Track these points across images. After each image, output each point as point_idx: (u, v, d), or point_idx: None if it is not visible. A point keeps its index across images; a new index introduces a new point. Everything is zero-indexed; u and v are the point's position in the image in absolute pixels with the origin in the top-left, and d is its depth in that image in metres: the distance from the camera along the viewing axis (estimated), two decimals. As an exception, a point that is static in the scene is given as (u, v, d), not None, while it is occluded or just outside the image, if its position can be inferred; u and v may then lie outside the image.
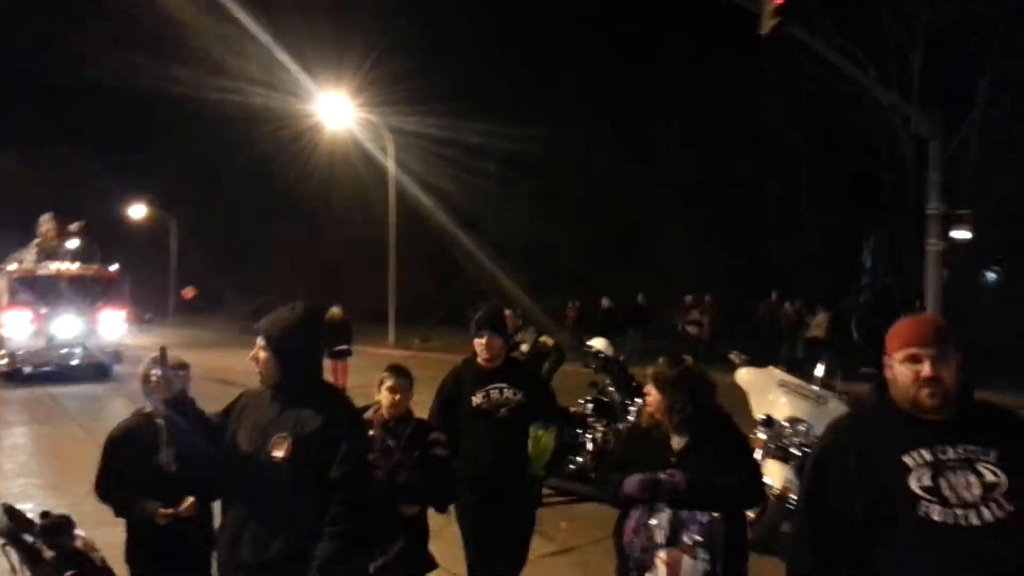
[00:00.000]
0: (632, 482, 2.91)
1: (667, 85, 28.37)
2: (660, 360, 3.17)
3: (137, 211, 37.68)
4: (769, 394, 5.98)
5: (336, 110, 22.95)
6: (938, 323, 2.15)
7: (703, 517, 2.83)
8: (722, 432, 3.05)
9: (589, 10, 27.31)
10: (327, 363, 13.80)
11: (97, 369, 17.07)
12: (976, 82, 19.60)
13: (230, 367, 18.34)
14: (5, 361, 16.08)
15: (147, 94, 30.79)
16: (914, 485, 1.99)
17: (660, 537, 2.85)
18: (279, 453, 2.64)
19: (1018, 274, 26.11)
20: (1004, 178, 19.59)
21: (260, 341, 2.78)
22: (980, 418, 2.09)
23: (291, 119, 26.19)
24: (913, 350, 2.07)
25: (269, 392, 2.79)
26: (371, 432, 3.42)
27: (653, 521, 2.88)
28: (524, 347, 8.09)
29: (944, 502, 1.96)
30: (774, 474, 5.62)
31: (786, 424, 5.83)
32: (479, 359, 4.04)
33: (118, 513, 3.30)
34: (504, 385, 3.96)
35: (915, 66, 20.10)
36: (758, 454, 5.78)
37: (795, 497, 5.63)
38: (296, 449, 2.63)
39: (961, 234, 12.87)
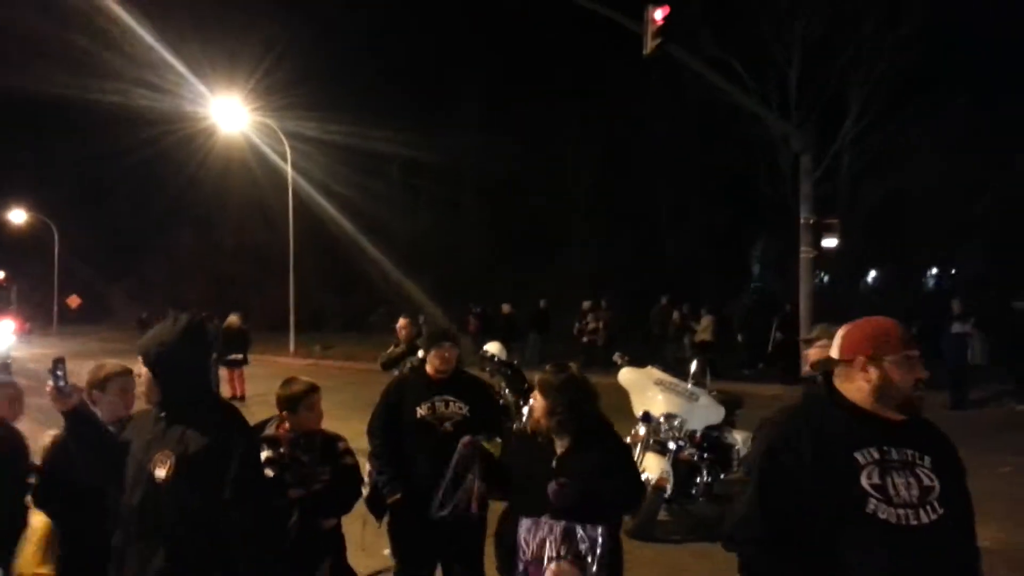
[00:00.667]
0: (552, 491, 2.94)
1: (565, 91, 29.17)
2: (547, 367, 3.26)
3: (17, 216, 35.72)
4: (647, 392, 6.50)
5: (230, 114, 22.57)
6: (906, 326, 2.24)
7: (592, 531, 2.88)
8: (602, 438, 3.14)
9: (488, 18, 27.85)
10: (223, 373, 13.67)
11: None
12: (848, 95, 21.01)
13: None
14: None
15: (27, 96, 29.32)
16: (864, 482, 2.06)
17: (551, 550, 2.87)
18: (161, 472, 2.56)
19: (887, 279, 28.35)
20: (873, 187, 21.24)
21: (140, 359, 2.74)
22: (916, 425, 2.19)
23: (181, 122, 25.60)
24: (912, 352, 2.14)
25: (155, 410, 2.72)
26: (281, 449, 3.38)
27: (543, 532, 2.91)
28: (421, 353, 8.35)
29: (889, 501, 2.05)
30: (652, 466, 6.12)
31: (662, 419, 6.37)
32: (428, 368, 3.94)
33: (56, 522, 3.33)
34: (451, 397, 3.85)
35: (792, 79, 21.37)
36: (637, 448, 6.30)
37: (671, 488, 6.19)
38: (179, 468, 2.56)
39: (830, 242, 13.94)
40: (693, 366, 6.89)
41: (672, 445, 6.34)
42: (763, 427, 2.34)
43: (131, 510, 2.62)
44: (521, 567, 2.95)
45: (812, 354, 4.47)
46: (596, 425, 3.15)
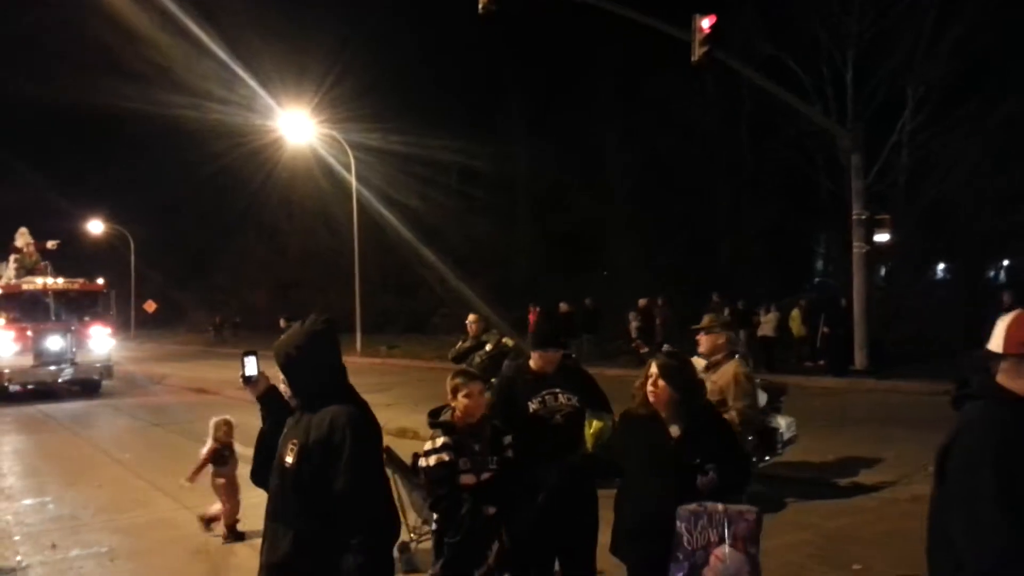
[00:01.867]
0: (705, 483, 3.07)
1: (611, 95, 29.84)
2: (662, 353, 3.43)
3: (95, 227, 38.08)
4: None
5: (297, 126, 23.92)
6: None
7: (750, 515, 2.99)
8: (713, 421, 3.33)
9: (536, 25, 28.69)
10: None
11: (85, 385, 16.88)
12: (905, 93, 21.15)
13: (203, 377, 19.29)
14: None
15: (102, 110, 31.40)
16: None
17: (713, 536, 2.96)
18: (289, 459, 2.76)
19: (954, 273, 28.13)
20: (931, 184, 21.34)
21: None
22: None
23: (251, 135, 27.12)
24: None
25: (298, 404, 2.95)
26: (457, 436, 3.58)
27: (704, 519, 2.99)
28: (488, 347, 9.23)
29: None
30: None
31: (709, 403, 7.10)
32: (532, 364, 4.09)
33: None
34: (559, 390, 3.99)
35: (848, 77, 21.60)
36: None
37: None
38: (301, 456, 2.72)
39: (882, 237, 14.38)
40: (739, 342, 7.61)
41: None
42: (963, 435, 2.16)
43: (271, 494, 2.86)
44: (683, 556, 2.98)
45: (702, 340, 5.12)
46: (706, 410, 3.36)
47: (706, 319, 5.18)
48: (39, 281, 17.03)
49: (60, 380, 16.32)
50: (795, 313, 18.05)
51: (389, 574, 2.81)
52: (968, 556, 2.04)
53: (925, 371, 14.51)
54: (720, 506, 2.98)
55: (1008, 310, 8.44)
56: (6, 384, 15.78)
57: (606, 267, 30.34)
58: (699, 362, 7.46)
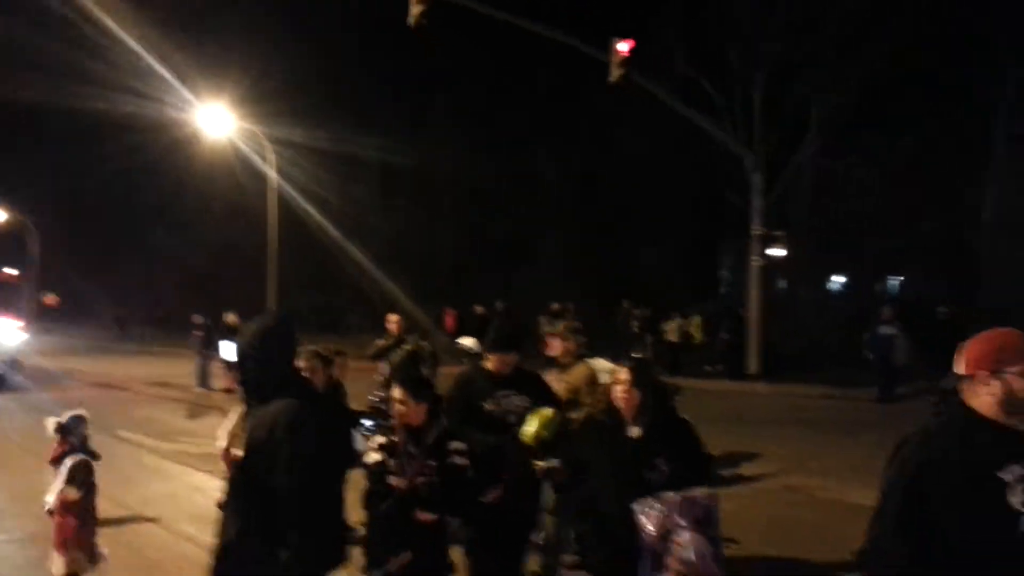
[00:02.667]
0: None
1: (542, 105, 30.73)
2: (625, 359, 3.57)
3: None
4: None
5: (216, 120, 23.73)
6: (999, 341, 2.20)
7: (704, 499, 3.13)
8: (673, 422, 3.48)
9: (470, 30, 29.20)
10: (220, 369, 14.94)
11: None
12: (810, 117, 22.58)
13: (108, 372, 19.03)
14: None
15: (8, 102, 30.20)
16: (1014, 501, 2.00)
17: (670, 523, 3.09)
18: (238, 452, 2.96)
19: (851, 286, 30.17)
20: (828, 204, 22.93)
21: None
22: None
23: (167, 128, 26.68)
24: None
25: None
26: (395, 438, 3.61)
27: (660, 508, 3.10)
28: (407, 347, 9.70)
29: None
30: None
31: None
32: (489, 366, 4.23)
33: None
34: (512, 392, 4.13)
35: (757, 99, 22.90)
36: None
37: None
38: (248, 449, 2.84)
39: (778, 252, 15.56)
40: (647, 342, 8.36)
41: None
42: (904, 447, 2.24)
43: (229, 483, 3.03)
44: (645, 549, 3.09)
45: (554, 344, 5.47)
46: (669, 411, 3.52)
47: (561, 326, 5.65)
48: None
49: None
50: (697, 321, 19.18)
51: (323, 571, 2.86)
52: (868, 567, 2.14)
53: (813, 376, 15.81)
54: (673, 494, 3.11)
55: (886, 323, 9.68)
56: None
57: (529, 271, 31.17)
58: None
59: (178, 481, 8.23)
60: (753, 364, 15.99)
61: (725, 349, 17.51)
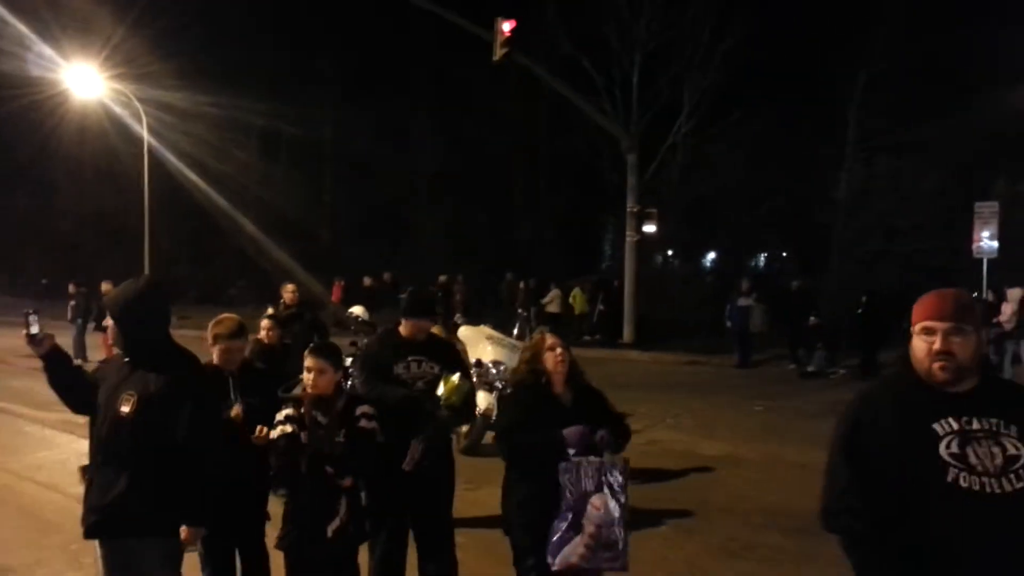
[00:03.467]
0: (573, 434, 3.32)
1: (422, 73, 30.90)
2: (546, 330, 3.85)
3: None
4: (480, 344, 8.60)
5: (85, 80, 22.72)
6: (958, 298, 2.23)
7: (621, 465, 3.32)
8: (594, 391, 3.70)
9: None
10: (99, 337, 14.65)
11: None
12: (683, 98, 23.90)
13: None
14: None
15: None
16: (943, 452, 2.11)
17: (590, 485, 3.26)
18: (125, 408, 3.02)
19: (722, 261, 32.24)
20: (698, 182, 24.45)
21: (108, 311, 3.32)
22: (1000, 393, 2.24)
23: (30, 86, 25.22)
24: (928, 323, 2.19)
25: (122, 356, 3.23)
26: (302, 408, 3.60)
27: (581, 471, 3.28)
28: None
29: (971, 469, 2.09)
30: (482, 401, 8.18)
31: (491, 365, 8.49)
32: (403, 331, 4.26)
33: None
34: (423, 358, 4.18)
35: (634, 79, 23.98)
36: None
37: (495, 416, 8.30)
38: (139, 406, 3.01)
39: (650, 228, 16.67)
40: (516, 327, 9.07)
41: (498, 384, 8.45)
42: (852, 402, 2.37)
43: (99, 441, 3.13)
44: (565, 507, 3.27)
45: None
46: (585, 378, 3.71)
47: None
48: None
49: None
50: (576, 292, 20.19)
51: (215, 517, 3.19)
52: (829, 526, 2.27)
53: (681, 345, 17.08)
54: (595, 459, 3.30)
55: (744, 295, 10.92)
56: None
57: (410, 241, 31.48)
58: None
59: (66, 448, 8.30)
60: (627, 333, 17.12)
61: (602, 319, 18.61)
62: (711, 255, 34.76)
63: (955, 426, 2.14)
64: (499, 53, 13.42)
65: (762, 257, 35.68)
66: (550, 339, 3.59)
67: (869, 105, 23.30)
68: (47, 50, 22.37)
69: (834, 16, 23.89)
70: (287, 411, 3.58)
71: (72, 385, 3.26)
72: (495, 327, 9.24)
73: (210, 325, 4.01)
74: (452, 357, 4.36)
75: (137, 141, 24.83)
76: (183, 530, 3.09)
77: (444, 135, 30.87)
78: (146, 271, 24.42)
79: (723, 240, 27.72)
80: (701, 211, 24.71)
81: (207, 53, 28.47)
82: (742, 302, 14.88)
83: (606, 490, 3.26)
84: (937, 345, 2.15)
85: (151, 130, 24.26)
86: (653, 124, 22.16)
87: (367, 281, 20.92)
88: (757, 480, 7.48)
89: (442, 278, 20.92)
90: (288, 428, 3.52)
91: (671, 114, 23.59)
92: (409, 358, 4.15)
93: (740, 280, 15.57)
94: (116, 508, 3.03)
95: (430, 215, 31.05)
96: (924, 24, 20.54)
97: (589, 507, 3.24)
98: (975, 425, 2.14)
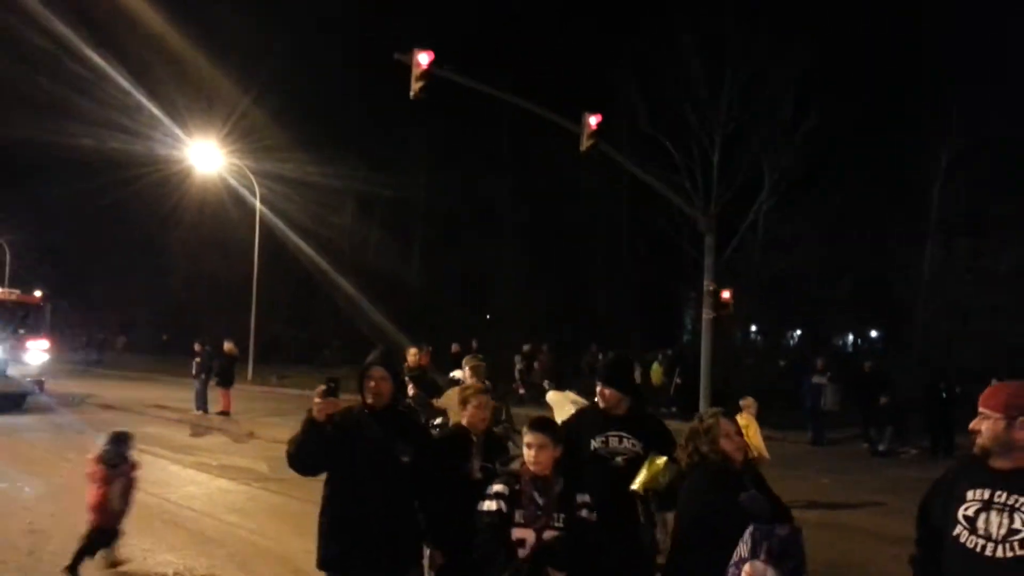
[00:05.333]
0: (748, 500, 3.35)
1: (508, 146, 32.85)
2: (721, 412, 3.69)
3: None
4: (565, 407, 9.75)
5: (206, 155, 25.43)
6: (1008, 391, 2.73)
7: (782, 530, 3.21)
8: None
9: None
10: (220, 391, 16.51)
11: (12, 400, 16.36)
12: (762, 173, 24.86)
13: (101, 394, 20.27)
14: None
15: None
16: (959, 513, 2.68)
17: (744, 551, 3.18)
18: (405, 458, 3.65)
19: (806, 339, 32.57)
20: (778, 257, 25.24)
21: (381, 371, 3.73)
22: None
23: (158, 165, 28.26)
24: (981, 409, 2.72)
25: (382, 409, 3.73)
26: (518, 486, 3.46)
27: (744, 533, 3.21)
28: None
29: (973, 531, 2.62)
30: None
31: (574, 428, 9.67)
32: (599, 402, 4.15)
33: None
34: (624, 433, 3.99)
35: (714, 158, 25.14)
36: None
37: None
38: (413, 455, 3.67)
39: (725, 306, 17.59)
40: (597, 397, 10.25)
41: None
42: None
43: (362, 484, 3.64)
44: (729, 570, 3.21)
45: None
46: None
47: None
48: None
49: None
50: (655, 366, 21.14)
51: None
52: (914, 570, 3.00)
53: (757, 419, 17.74)
54: (763, 526, 3.21)
55: (820, 372, 12.03)
56: None
57: (490, 309, 33.08)
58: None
59: (208, 484, 9.84)
60: (703, 406, 17.92)
61: (678, 392, 19.50)
62: (797, 332, 35.04)
63: (984, 496, 2.63)
64: (586, 144, 14.84)
65: (849, 336, 35.79)
66: (726, 425, 3.54)
67: (951, 184, 23.82)
68: (175, 129, 25.15)
69: (915, 94, 24.82)
70: (500, 486, 3.48)
71: (318, 452, 3.61)
72: (580, 394, 10.41)
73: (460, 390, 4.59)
74: (657, 433, 4.10)
75: (246, 208, 27.37)
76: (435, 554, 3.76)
77: (527, 205, 32.59)
78: (252, 331, 26.69)
79: (803, 317, 28.31)
80: (780, 288, 25.43)
81: (312, 125, 31.20)
82: (816, 380, 15.63)
83: (761, 557, 3.18)
84: (979, 427, 2.72)
85: (261, 198, 26.77)
86: (733, 200, 23.22)
87: (454, 348, 22.36)
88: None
89: (526, 347, 22.21)
90: (495, 505, 3.43)
91: (751, 191, 24.60)
92: (609, 432, 3.99)
93: (815, 358, 16.33)
94: (375, 546, 3.57)
95: (513, 281, 32.59)
96: (1005, 102, 21.24)
97: (743, 574, 3.20)
98: (1002, 499, 2.59)
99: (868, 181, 24.27)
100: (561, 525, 3.39)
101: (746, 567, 3.13)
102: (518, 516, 3.40)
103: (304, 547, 6.94)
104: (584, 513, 3.46)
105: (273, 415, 17.20)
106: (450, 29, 29.09)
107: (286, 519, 8.19)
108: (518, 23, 33.83)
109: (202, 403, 16.59)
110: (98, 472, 6.41)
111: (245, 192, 27.10)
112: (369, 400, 3.70)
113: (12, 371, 16.28)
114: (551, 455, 3.49)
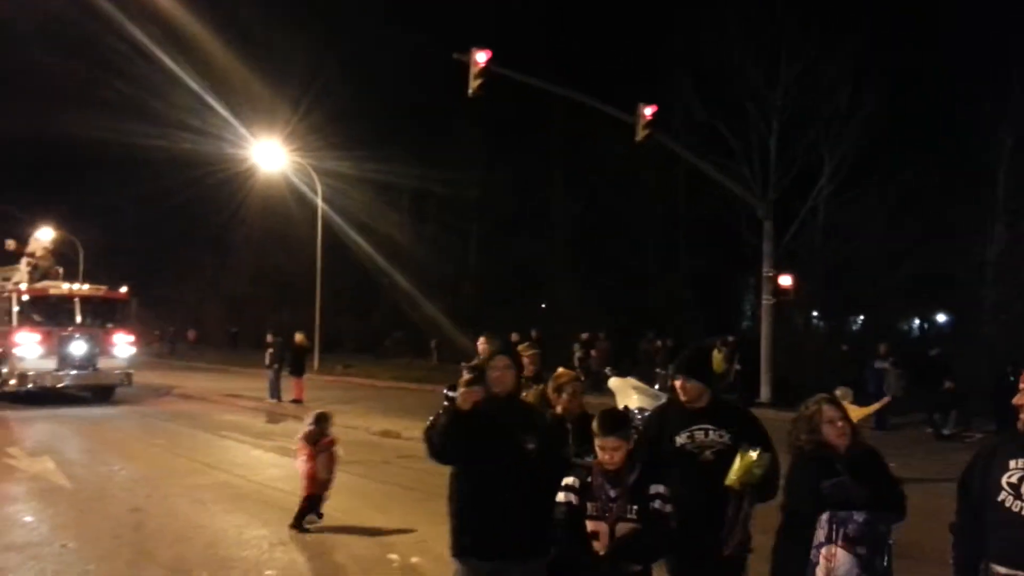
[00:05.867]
0: (829, 487, 3.37)
1: (559, 139, 33.06)
2: (825, 399, 3.71)
3: (45, 234, 39.21)
4: (627, 393, 10.12)
5: (270, 154, 26.34)
6: None
7: (859, 516, 3.29)
8: (872, 457, 3.68)
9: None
10: (292, 380, 17.28)
11: (102, 392, 17.24)
12: (822, 161, 24.66)
13: (180, 385, 21.33)
14: (14, 381, 16.09)
15: (71, 139, 33.14)
16: (1003, 480, 2.97)
17: (821, 536, 3.31)
18: (531, 445, 3.64)
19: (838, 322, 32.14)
20: (838, 244, 25.02)
21: (505, 360, 3.75)
22: None
23: (224, 164, 29.38)
24: (1022, 386, 3.05)
25: (505, 398, 3.73)
26: (590, 479, 3.49)
27: (822, 518, 3.32)
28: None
29: (1018, 496, 2.91)
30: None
31: (636, 411, 10.00)
32: (680, 395, 4.02)
33: None
34: (710, 426, 3.88)
35: (772, 144, 24.99)
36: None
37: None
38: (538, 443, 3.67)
39: (785, 292, 17.69)
40: (656, 385, 10.58)
41: (641, 428, 9.96)
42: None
43: (493, 473, 3.63)
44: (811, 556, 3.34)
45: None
46: (866, 447, 3.78)
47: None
48: (65, 286, 17.52)
49: (82, 385, 16.88)
50: (715, 353, 21.19)
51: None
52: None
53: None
54: (842, 513, 3.31)
55: (883, 358, 12.28)
56: (28, 386, 16.13)
57: (546, 299, 33.44)
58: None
59: (290, 467, 10.44)
60: (764, 392, 18.06)
61: (739, 379, 19.59)
62: (860, 318, 34.57)
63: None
64: (641, 134, 15.13)
65: (915, 321, 35.16)
66: (829, 411, 3.54)
67: (1017, 165, 23.28)
68: (242, 130, 26.12)
69: (976, 75, 24.27)
70: (572, 479, 3.52)
71: (459, 440, 3.62)
72: (641, 380, 10.75)
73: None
74: (745, 423, 4.00)
75: (308, 204, 28.25)
76: None
77: (581, 195, 32.84)
78: (317, 323, 27.62)
79: (865, 302, 27.94)
80: (841, 273, 25.21)
81: (368, 123, 32.01)
82: (878, 364, 15.62)
83: (839, 542, 3.21)
84: (1016, 400, 3.07)
85: (322, 195, 27.61)
86: (792, 186, 23.08)
87: (514, 337, 22.82)
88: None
89: (584, 335, 22.52)
90: (569, 497, 3.47)
91: (810, 177, 24.41)
92: (694, 426, 3.88)
93: (877, 343, 16.32)
94: (509, 533, 3.58)
95: (568, 274, 32.92)
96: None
97: (821, 558, 3.25)
98: None
99: (931, 164, 23.80)
100: (634, 517, 3.37)
101: (823, 550, 3.23)
102: (590, 508, 3.41)
103: (385, 522, 7.58)
104: (658, 504, 3.42)
105: (342, 403, 17.81)
106: (502, 25, 29.53)
107: (367, 497, 8.76)
108: (568, 13, 34.00)
109: (275, 392, 17.38)
110: (305, 449, 7.50)
111: (307, 190, 27.94)
112: (496, 389, 3.71)
113: (102, 364, 16.99)
114: (625, 453, 3.47)
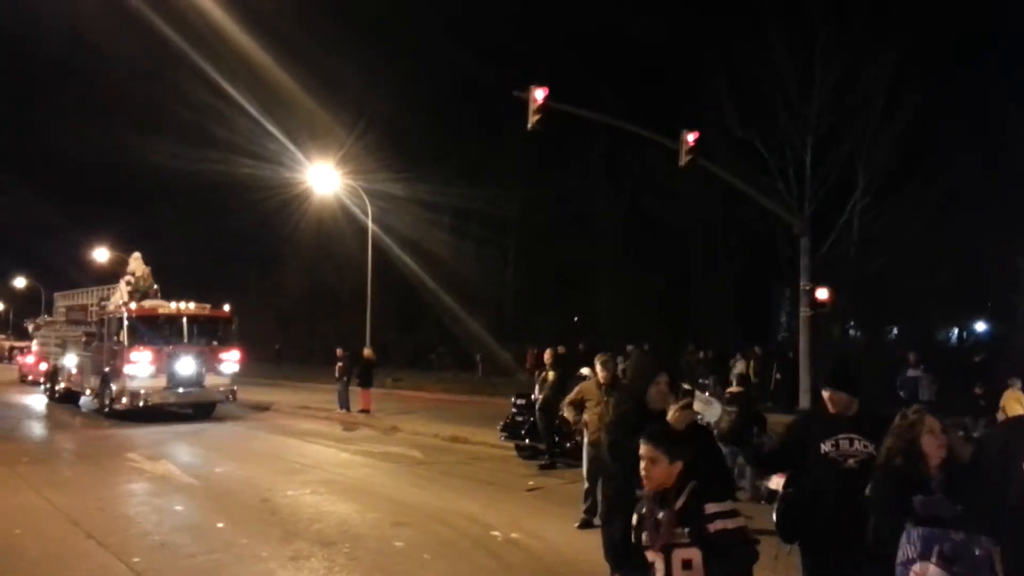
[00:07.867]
0: (920, 504, 3.40)
1: (601, 152, 34.49)
2: (923, 409, 3.75)
3: (100, 254, 41.64)
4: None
5: (324, 178, 28.11)
6: None
7: (956, 535, 3.25)
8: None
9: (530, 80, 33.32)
10: (359, 391, 18.93)
11: (207, 408, 18.22)
12: (856, 174, 25.72)
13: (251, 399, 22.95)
14: (125, 399, 17.00)
15: (137, 164, 35.43)
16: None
17: (912, 552, 3.31)
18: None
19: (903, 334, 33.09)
20: (875, 256, 26.06)
21: (667, 377, 4.19)
22: None
23: (280, 188, 31.32)
24: None
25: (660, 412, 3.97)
26: (643, 510, 3.40)
27: (907, 535, 3.35)
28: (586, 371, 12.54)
29: None
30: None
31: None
32: (828, 406, 4.16)
33: None
34: (855, 435, 4.03)
35: (807, 158, 26.07)
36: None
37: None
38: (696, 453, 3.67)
39: (822, 305, 18.90)
40: (710, 384, 12.00)
41: (694, 431, 11.35)
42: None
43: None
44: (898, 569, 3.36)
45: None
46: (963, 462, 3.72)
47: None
48: (172, 305, 18.28)
49: (190, 402, 17.90)
50: (742, 364, 22.44)
51: None
52: None
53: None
54: (921, 527, 3.32)
55: (914, 366, 13.77)
56: (138, 404, 16.98)
57: (588, 312, 34.86)
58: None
59: (378, 467, 12.10)
60: (803, 400, 19.30)
61: (777, 387, 20.86)
62: (896, 328, 35.45)
63: None
64: (684, 160, 16.54)
65: (955, 330, 36.03)
66: (930, 421, 3.53)
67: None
68: (298, 154, 27.92)
69: (1012, 80, 25.20)
70: (634, 516, 3.44)
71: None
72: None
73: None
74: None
75: (356, 223, 29.94)
76: None
77: (621, 209, 34.23)
78: (367, 339, 29.23)
79: (901, 312, 28.98)
80: (878, 284, 26.30)
81: (415, 144, 33.80)
82: (911, 373, 16.84)
83: (934, 560, 3.20)
84: None
85: (372, 216, 29.29)
86: (828, 198, 24.15)
87: (560, 350, 24.27)
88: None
89: (629, 347, 23.86)
90: (622, 534, 3.45)
91: (846, 188, 25.40)
92: (839, 435, 4.03)
93: (907, 352, 17.54)
94: None
95: (610, 287, 34.33)
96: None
97: (911, 574, 3.26)
98: None
99: (965, 174, 24.75)
100: (687, 541, 3.21)
101: (915, 567, 3.20)
102: (644, 539, 3.34)
103: (479, 508, 9.01)
104: (718, 524, 3.25)
105: (403, 412, 19.47)
106: (542, 47, 31.20)
107: (454, 489, 10.31)
108: (607, 34, 35.66)
109: (344, 402, 19.04)
110: None
111: (357, 211, 29.65)
112: (659, 405, 4.09)
113: (208, 381, 17.89)
114: (666, 470, 3.33)
